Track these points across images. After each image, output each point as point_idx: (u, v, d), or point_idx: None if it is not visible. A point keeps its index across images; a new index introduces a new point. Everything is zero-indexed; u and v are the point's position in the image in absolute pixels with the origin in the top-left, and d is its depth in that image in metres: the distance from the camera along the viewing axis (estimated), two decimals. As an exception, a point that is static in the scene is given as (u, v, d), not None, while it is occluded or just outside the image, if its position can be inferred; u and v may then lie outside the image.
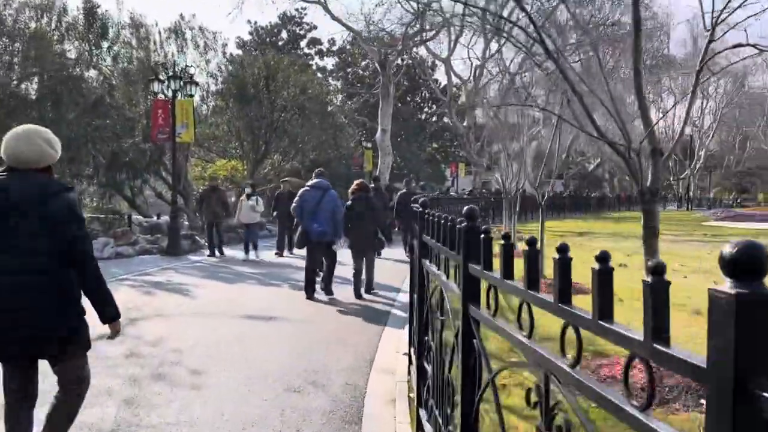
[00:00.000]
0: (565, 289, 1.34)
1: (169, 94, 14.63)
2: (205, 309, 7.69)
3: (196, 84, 16.10)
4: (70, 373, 2.93)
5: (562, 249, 1.37)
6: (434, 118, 43.58)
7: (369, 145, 29.99)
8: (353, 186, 9.08)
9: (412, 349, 4.81)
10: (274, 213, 14.09)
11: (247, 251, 12.57)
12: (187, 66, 16.78)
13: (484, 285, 2.12)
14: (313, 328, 6.81)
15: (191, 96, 15.46)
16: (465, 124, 33.80)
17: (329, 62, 44.71)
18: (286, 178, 14.97)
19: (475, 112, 34.97)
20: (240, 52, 36.14)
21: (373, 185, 12.27)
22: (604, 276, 1.16)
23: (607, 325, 1.13)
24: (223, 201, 13.34)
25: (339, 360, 5.45)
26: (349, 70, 41.89)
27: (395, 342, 6.23)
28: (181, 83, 14.62)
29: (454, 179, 43.68)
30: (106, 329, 3.04)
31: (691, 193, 53.56)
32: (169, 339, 5.95)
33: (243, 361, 5.34)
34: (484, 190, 32.35)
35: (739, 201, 49.40)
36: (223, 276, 10.63)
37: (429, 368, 3.16)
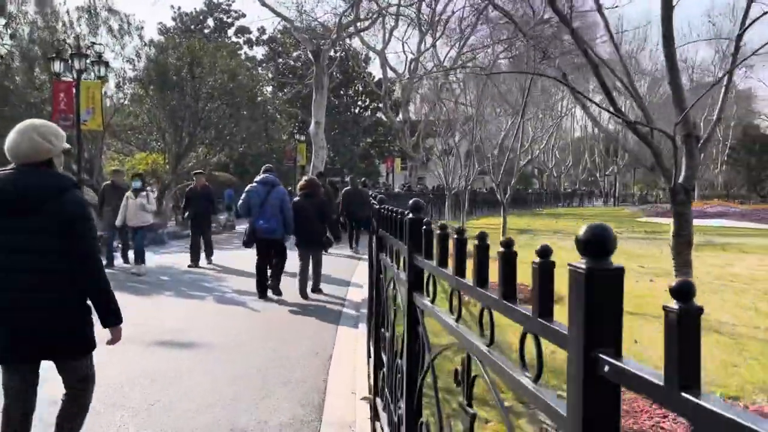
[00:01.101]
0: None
1: (74, 75, 12.73)
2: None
3: (107, 64, 14.16)
4: (78, 373, 2.96)
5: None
6: (368, 113, 42.55)
7: (302, 138, 28.56)
8: (301, 182, 8.79)
9: (378, 400, 3.64)
10: (185, 214, 11.89)
11: (137, 260, 10.18)
12: (94, 44, 14.78)
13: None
14: (243, 355, 5.51)
15: (100, 78, 13.59)
16: (400, 118, 32.89)
17: (259, 52, 42.83)
18: (198, 171, 12.42)
19: (409, 107, 34.17)
20: (162, 39, 33.70)
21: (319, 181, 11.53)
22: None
23: None
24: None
25: (277, 408, 4.19)
26: (279, 60, 40.18)
27: (350, 369, 5.05)
28: (88, 63, 12.72)
29: (389, 174, 42.87)
30: None
31: (616, 190, 55.35)
32: (46, 382, 4.48)
33: (148, 417, 4.00)
34: (419, 186, 31.63)
35: (662, 198, 51.35)
36: (134, 287, 8.99)
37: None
